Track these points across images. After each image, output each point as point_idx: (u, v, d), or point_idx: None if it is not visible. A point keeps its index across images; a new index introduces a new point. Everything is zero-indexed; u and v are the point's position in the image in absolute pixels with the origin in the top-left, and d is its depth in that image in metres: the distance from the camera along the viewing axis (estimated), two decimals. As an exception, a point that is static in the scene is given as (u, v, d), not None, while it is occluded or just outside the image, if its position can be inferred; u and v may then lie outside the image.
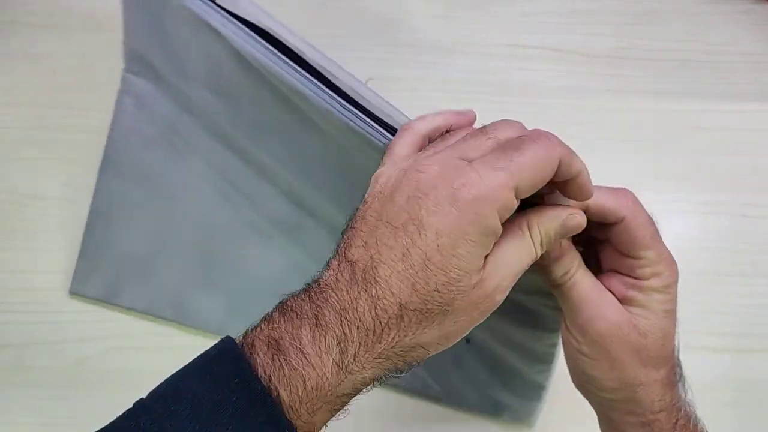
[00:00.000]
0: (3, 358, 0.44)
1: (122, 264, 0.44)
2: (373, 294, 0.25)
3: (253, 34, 0.35)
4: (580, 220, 0.28)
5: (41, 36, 0.51)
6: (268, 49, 0.34)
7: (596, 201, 0.29)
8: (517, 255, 0.27)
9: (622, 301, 0.30)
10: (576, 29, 0.52)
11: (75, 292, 0.45)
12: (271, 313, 0.26)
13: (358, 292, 0.25)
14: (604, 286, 0.30)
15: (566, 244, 0.30)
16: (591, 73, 0.51)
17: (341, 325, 0.25)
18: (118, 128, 0.45)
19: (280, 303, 0.26)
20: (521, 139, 0.26)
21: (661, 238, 0.30)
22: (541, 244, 0.28)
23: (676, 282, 0.30)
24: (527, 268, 0.27)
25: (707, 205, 0.49)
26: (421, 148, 0.30)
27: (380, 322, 0.25)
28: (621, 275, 0.30)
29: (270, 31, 0.34)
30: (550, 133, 0.27)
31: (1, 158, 0.48)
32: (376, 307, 0.25)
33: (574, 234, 0.29)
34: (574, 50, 0.52)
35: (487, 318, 0.28)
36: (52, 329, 0.45)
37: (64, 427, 0.43)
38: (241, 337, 0.26)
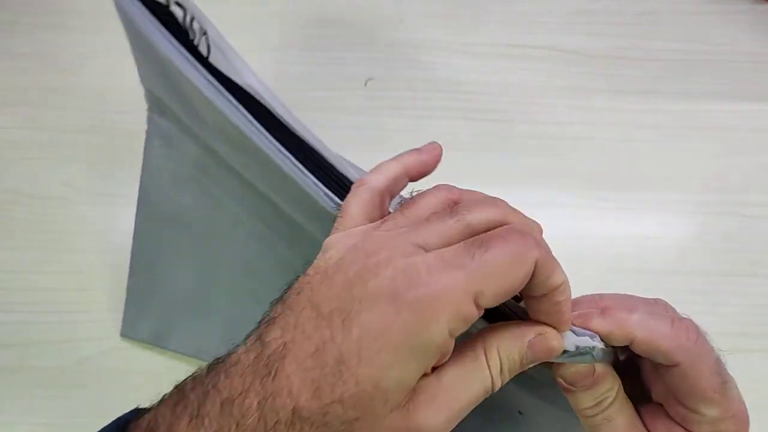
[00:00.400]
0: (3, 358, 0.44)
1: (169, 308, 0.44)
2: (269, 388, 0.20)
3: (241, 108, 0.32)
4: (551, 345, 0.22)
5: (41, 36, 0.51)
6: (252, 123, 0.32)
7: (646, 336, 0.22)
8: (464, 385, 0.21)
9: None
10: (576, 29, 0.52)
11: (125, 335, 0.44)
12: (175, 388, 0.22)
13: (253, 382, 0.20)
14: (646, 426, 0.24)
15: (602, 369, 0.24)
16: (591, 73, 0.51)
17: (219, 419, 0.20)
18: (149, 170, 0.43)
19: (191, 375, 0.23)
20: (491, 234, 0.21)
21: (730, 389, 0.23)
22: (502, 372, 0.22)
23: None
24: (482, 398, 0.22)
25: (707, 205, 0.48)
26: (381, 209, 0.26)
27: (265, 424, 0.20)
28: (671, 421, 0.24)
29: (261, 100, 0.32)
30: (527, 230, 0.22)
31: (2, 158, 0.48)
32: (266, 405, 0.20)
33: (548, 360, 0.23)
34: (573, 50, 0.52)
35: (535, 399, 0.24)
36: (52, 329, 0.45)
37: (64, 427, 0.43)
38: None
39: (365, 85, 0.50)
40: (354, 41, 0.51)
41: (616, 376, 0.24)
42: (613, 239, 0.47)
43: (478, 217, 0.22)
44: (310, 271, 0.23)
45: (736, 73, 0.51)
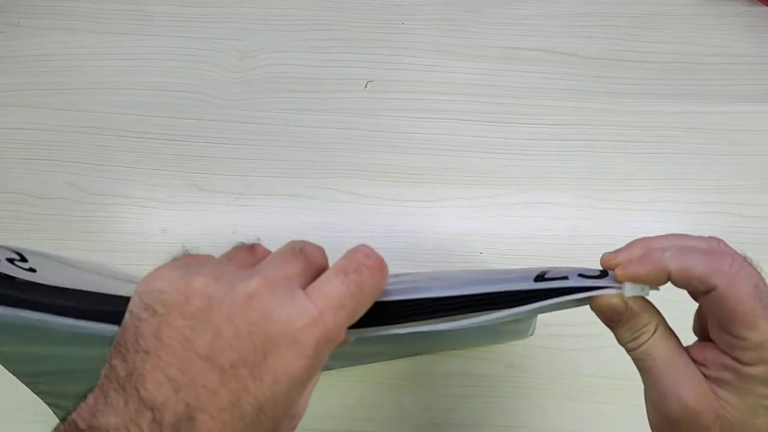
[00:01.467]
0: (7, 358, 0.44)
1: None
2: None
3: None
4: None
5: (44, 38, 0.51)
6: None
7: (679, 266, 0.23)
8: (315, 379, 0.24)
9: (713, 381, 0.24)
10: (574, 32, 0.53)
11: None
12: None
13: None
14: (695, 357, 0.25)
15: (638, 305, 0.25)
16: (589, 75, 0.52)
17: None
18: None
19: None
20: (359, 270, 0.23)
21: None
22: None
23: None
24: None
25: (706, 205, 0.49)
26: None
27: None
28: (718, 351, 0.24)
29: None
30: (368, 252, 0.24)
31: (6, 159, 0.49)
32: None
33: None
34: (571, 53, 0.52)
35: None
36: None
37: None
38: None
39: (365, 87, 0.51)
40: (354, 44, 0.51)
41: (655, 313, 0.25)
42: (610, 239, 0.47)
43: (317, 258, 0.24)
44: (157, 306, 0.21)
45: (732, 75, 0.52)
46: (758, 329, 0.22)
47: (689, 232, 0.49)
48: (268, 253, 0.26)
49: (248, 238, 0.46)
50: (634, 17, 0.53)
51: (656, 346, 0.25)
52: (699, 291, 0.24)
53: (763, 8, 0.54)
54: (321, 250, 0.25)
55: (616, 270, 0.25)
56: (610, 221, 0.48)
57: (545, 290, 0.25)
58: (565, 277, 0.26)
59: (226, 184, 0.48)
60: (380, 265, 0.24)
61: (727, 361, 0.23)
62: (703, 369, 0.24)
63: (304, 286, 0.23)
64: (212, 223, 0.48)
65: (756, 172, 0.50)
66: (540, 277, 0.26)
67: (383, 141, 0.50)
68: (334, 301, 0.22)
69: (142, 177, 0.48)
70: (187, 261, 0.24)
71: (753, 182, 0.49)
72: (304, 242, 0.25)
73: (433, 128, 0.50)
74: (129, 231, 0.47)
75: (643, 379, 0.26)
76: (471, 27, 0.52)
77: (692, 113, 0.51)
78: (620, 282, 0.25)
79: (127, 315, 0.22)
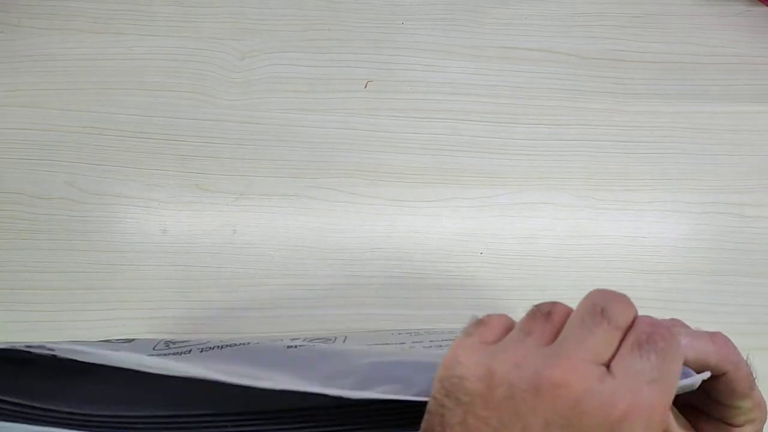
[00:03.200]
0: (6, 358, 0.44)
1: None
2: None
3: None
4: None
5: (44, 38, 0.51)
6: None
7: (697, 357, 0.25)
8: None
9: None
10: (574, 32, 0.53)
11: None
12: None
13: None
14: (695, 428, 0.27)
15: None
16: (588, 75, 0.52)
17: None
18: None
19: None
20: (659, 335, 0.22)
21: (755, 381, 0.27)
22: None
23: (764, 423, 0.27)
24: None
25: (707, 205, 0.49)
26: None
27: None
28: (710, 419, 0.27)
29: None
30: (650, 320, 0.23)
31: (5, 159, 0.49)
32: None
33: None
34: (571, 53, 0.52)
35: None
36: (54, 329, 0.45)
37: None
38: None
39: (365, 87, 0.50)
40: (354, 44, 0.51)
41: None
42: (610, 239, 0.48)
43: (623, 316, 0.23)
44: (459, 394, 0.22)
45: (732, 75, 0.52)
46: (751, 398, 0.26)
47: (689, 233, 0.49)
48: (566, 313, 0.24)
49: (250, 239, 0.46)
50: (634, 17, 0.53)
51: (677, 426, 0.26)
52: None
53: (764, 8, 0.54)
54: (626, 304, 0.23)
55: None
56: (610, 221, 0.48)
57: None
58: None
59: (226, 184, 0.48)
60: (669, 330, 0.23)
61: (723, 427, 0.26)
62: None
63: (610, 360, 0.22)
64: (212, 223, 0.48)
65: (756, 173, 0.50)
66: None
67: (383, 141, 0.50)
68: (643, 377, 0.21)
69: (142, 177, 0.48)
70: (484, 337, 0.24)
71: (753, 182, 0.49)
72: (606, 297, 0.23)
73: (433, 128, 0.50)
74: (129, 231, 0.47)
75: None
76: (471, 27, 0.52)
77: (692, 113, 0.51)
78: None
79: (431, 401, 0.22)
